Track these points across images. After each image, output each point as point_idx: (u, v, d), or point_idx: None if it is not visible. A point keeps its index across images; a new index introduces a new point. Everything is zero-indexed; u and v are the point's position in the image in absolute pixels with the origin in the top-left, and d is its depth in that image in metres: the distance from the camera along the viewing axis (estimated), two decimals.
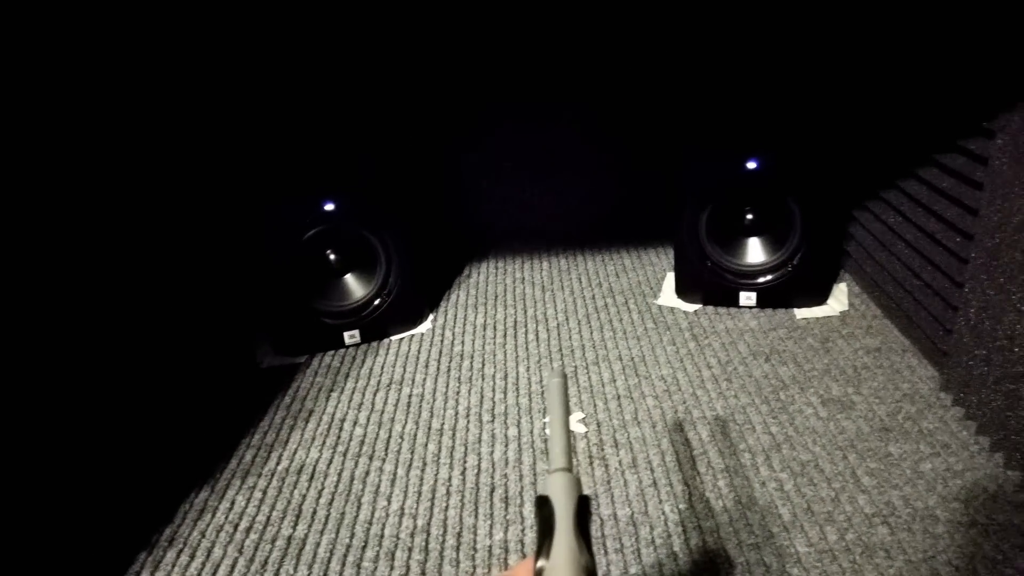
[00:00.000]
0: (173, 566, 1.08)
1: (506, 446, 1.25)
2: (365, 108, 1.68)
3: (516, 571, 0.44)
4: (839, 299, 1.55)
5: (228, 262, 1.53)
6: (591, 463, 1.20)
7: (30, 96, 1.14)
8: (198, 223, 1.52)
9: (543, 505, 0.45)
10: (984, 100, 1.14)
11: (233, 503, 1.19)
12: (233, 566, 1.07)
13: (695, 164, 1.48)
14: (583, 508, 0.44)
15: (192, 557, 1.09)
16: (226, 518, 1.16)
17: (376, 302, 1.52)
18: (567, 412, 0.52)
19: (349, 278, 1.52)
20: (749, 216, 1.51)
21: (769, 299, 1.53)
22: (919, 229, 1.34)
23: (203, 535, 1.13)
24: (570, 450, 0.49)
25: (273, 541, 1.11)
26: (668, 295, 1.62)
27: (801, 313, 1.52)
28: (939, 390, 1.28)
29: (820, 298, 1.54)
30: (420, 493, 1.17)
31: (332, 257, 1.50)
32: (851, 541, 1.02)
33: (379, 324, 1.54)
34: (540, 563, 0.42)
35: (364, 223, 1.46)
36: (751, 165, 1.44)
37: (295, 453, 1.28)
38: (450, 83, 1.71)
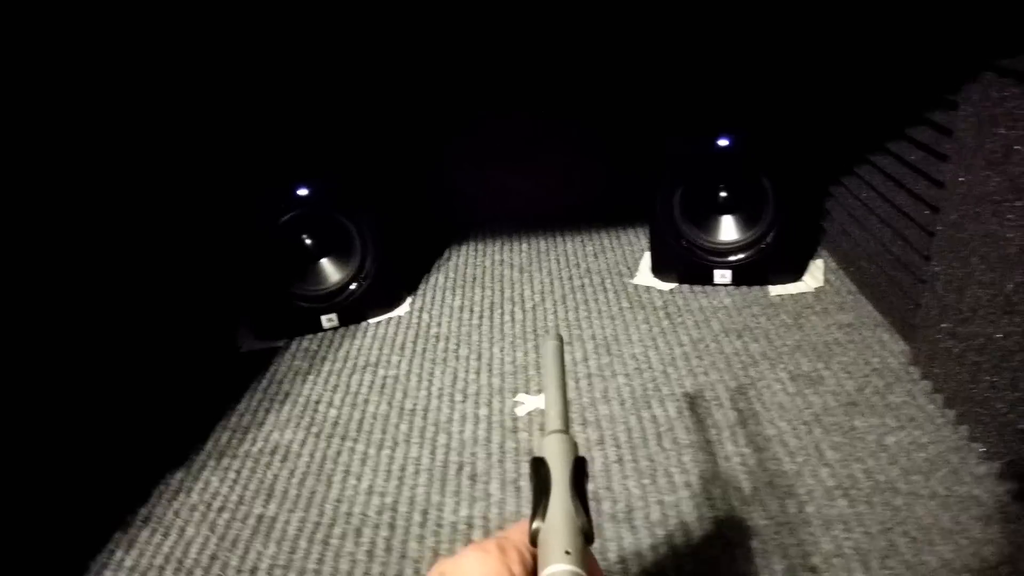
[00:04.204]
0: (147, 544, 1.10)
1: (476, 425, 1.26)
2: (343, 94, 1.68)
3: (511, 533, 0.44)
4: (815, 275, 1.55)
5: (210, 247, 1.54)
6: None
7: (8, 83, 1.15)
8: (182, 207, 1.53)
9: (539, 467, 0.44)
10: (949, 71, 1.13)
11: (208, 484, 1.21)
12: (204, 544, 1.09)
13: (668, 143, 1.48)
14: (579, 469, 0.44)
15: (165, 536, 1.11)
16: (200, 498, 1.18)
17: (352, 286, 1.53)
18: (563, 374, 0.52)
19: (326, 262, 1.53)
20: (723, 194, 1.51)
21: (744, 277, 1.53)
22: (890, 203, 1.33)
23: (177, 515, 1.15)
24: (567, 412, 0.49)
25: (244, 520, 1.13)
26: (644, 274, 1.63)
27: (775, 290, 1.53)
28: (909, 364, 1.28)
29: (795, 275, 1.54)
30: (389, 472, 1.19)
31: (308, 242, 1.51)
32: (810, 514, 1.03)
33: (357, 308, 1.55)
34: (536, 524, 0.41)
35: (338, 208, 1.47)
36: (723, 143, 1.44)
37: (270, 435, 1.30)
38: (429, 69, 1.71)
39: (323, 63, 1.65)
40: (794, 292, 1.51)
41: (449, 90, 1.74)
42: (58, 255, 1.23)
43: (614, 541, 1.02)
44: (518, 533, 0.44)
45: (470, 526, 1.07)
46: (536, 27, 1.66)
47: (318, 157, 1.54)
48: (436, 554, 1.03)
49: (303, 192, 1.44)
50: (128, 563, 1.07)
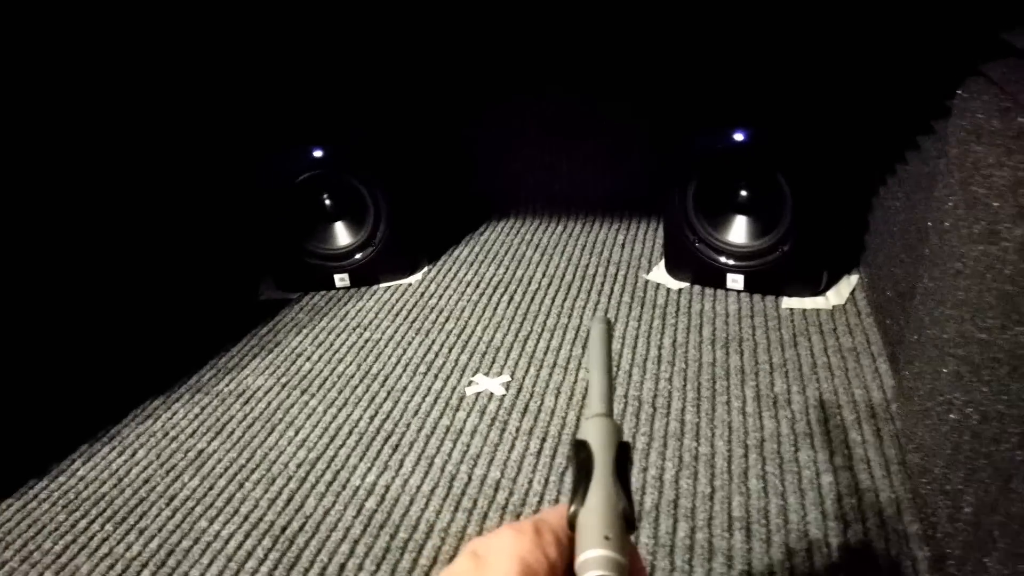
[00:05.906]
0: (103, 459, 1.22)
1: (423, 398, 1.27)
2: (377, 61, 1.71)
3: (548, 515, 0.43)
4: (840, 292, 1.40)
5: (242, 201, 1.64)
6: (492, 425, 1.19)
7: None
8: (218, 161, 1.63)
9: (580, 449, 0.43)
10: (942, 74, 0.99)
11: (174, 414, 1.30)
12: (146, 467, 1.19)
13: (682, 135, 1.39)
14: (623, 454, 0.43)
15: (120, 455, 1.22)
16: (161, 427, 1.28)
17: (360, 254, 1.57)
18: (609, 357, 0.51)
19: (340, 224, 1.59)
20: (743, 193, 1.39)
21: (757, 284, 1.41)
22: (902, 219, 1.18)
23: (137, 438, 1.26)
24: (611, 396, 0.48)
25: (186, 452, 1.21)
26: (659, 271, 1.54)
27: (789, 303, 1.40)
28: (892, 401, 1.14)
29: (814, 289, 1.40)
30: (326, 430, 1.23)
31: (328, 203, 1.57)
32: (698, 541, 0.95)
33: (368, 271, 1.60)
34: (574, 507, 0.41)
35: (353, 172, 1.52)
36: (739, 137, 1.33)
37: (245, 379, 1.38)
38: (476, 45, 1.70)
39: (359, 26, 1.67)
40: (809, 307, 1.38)
41: (501, 66, 1.72)
42: (104, 204, 1.36)
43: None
44: (555, 516, 0.42)
45: (370, 493, 1.09)
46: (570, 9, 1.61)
47: (344, 122, 1.58)
48: (326, 513, 1.06)
49: (318, 154, 1.50)
50: (80, 472, 1.19)
